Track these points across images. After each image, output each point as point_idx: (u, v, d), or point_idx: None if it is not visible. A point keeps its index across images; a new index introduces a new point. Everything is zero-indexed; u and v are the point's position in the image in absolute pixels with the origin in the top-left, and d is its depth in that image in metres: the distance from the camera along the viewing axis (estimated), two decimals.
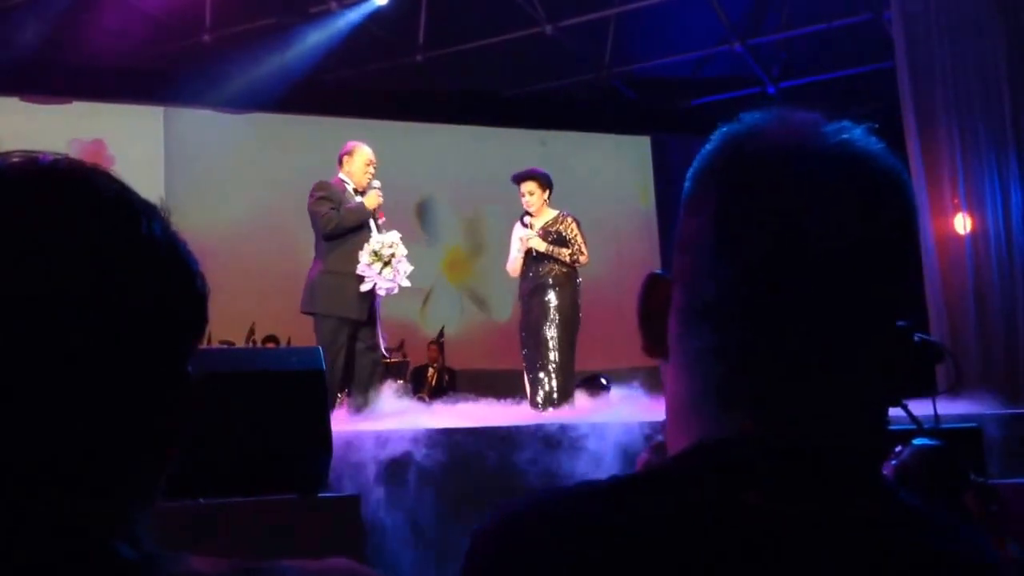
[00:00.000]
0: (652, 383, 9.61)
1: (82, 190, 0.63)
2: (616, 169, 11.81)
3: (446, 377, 9.18)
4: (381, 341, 5.58)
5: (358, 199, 5.58)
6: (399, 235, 5.52)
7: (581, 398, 6.25)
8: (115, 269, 0.61)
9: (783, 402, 0.68)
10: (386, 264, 5.38)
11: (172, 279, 0.65)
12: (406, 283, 5.50)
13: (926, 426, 2.09)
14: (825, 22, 9.43)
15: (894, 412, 2.07)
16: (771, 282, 0.67)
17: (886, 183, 0.69)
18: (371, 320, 5.49)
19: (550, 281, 6.02)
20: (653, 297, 0.75)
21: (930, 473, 1.92)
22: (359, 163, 5.67)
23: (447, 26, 9.58)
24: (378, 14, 9.08)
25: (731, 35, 9.89)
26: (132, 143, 10.00)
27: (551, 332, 5.95)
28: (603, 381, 7.19)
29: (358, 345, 5.44)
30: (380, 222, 5.62)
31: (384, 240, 5.43)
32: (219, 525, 3.14)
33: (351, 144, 5.78)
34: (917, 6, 7.54)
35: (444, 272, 11.09)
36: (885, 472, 1.94)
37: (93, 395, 0.60)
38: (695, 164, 0.74)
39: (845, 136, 0.71)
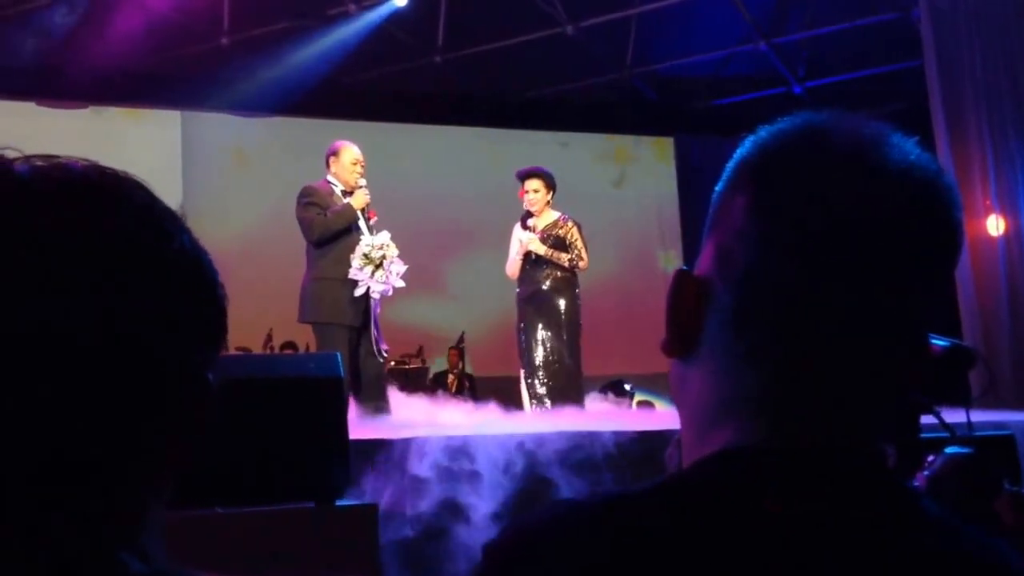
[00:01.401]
0: None
1: (110, 199, 0.63)
2: (638, 170, 11.72)
3: (467, 383, 9.12)
4: (381, 344, 5.48)
5: (346, 200, 5.47)
6: (389, 235, 5.40)
7: (600, 403, 6.18)
8: (140, 278, 0.62)
9: (814, 412, 0.68)
10: (377, 266, 5.27)
11: (195, 289, 0.65)
12: (400, 283, 5.38)
13: (959, 434, 2.04)
14: (851, 20, 9.31)
15: (926, 419, 2.01)
16: (819, 294, 0.67)
17: (943, 204, 0.69)
18: (369, 324, 5.40)
19: (549, 285, 5.96)
20: (685, 295, 0.73)
21: (963, 481, 1.88)
22: (346, 163, 5.53)
23: (466, 27, 9.53)
24: (397, 16, 9.05)
25: (755, 34, 9.79)
26: (150, 147, 10.02)
27: (549, 336, 5.89)
28: (626, 387, 7.11)
29: (361, 351, 5.37)
30: (372, 222, 5.51)
31: (374, 242, 5.32)
32: (236, 534, 3.10)
33: (337, 144, 5.66)
34: (945, 2, 7.43)
35: (465, 274, 11.05)
36: (917, 481, 1.90)
37: (113, 403, 0.60)
38: (746, 159, 0.73)
39: (911, 156, 0.70)
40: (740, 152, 0.74)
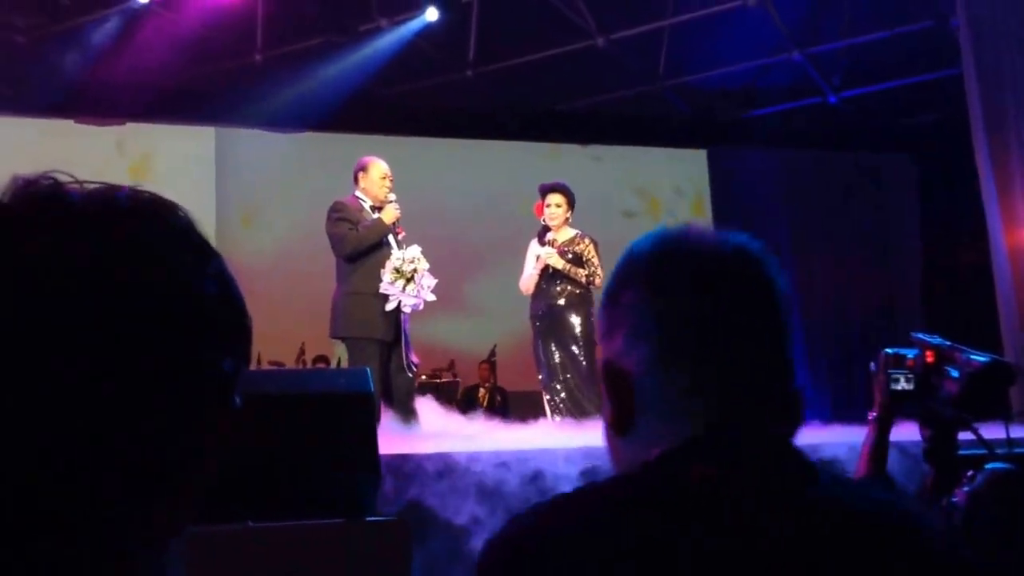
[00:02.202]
0: None
1: (153, 222, 0.68)
2: (670, 183, 11.66)
3: (498, 398, 9.09)
4: (412, 359, 5.48)
5: (375, 216, 5.48)
6: (419, 249, 5.41)
7: None
8: (172, 305, 0.66)
9: (728, 417, 0.92)
10: (408, 280, 5.28)
11: (225, 310, 0.70)
12: (431, 297, 5.39)
13: (998, 451, 2.06)
14: (887, 28, 9.21)
15: (964, 436, 1.97)
16: (708, 345, 0.93)
17: (769, 274, 0.97)
18: (400, 339, 5.40)
19: (564, 301, 5.96)
20: (619, 388, 0.96)
21: (1003, 498, 1.88)
22: (375, 178, 5.56)
23: (497, 41, 9.54)
24: (427, 30, 9.08)
25: (789, 43, 9.70)
26: (184, 163, 10.13)
27: (565, 351, 5.89)
28: None
29: (391, 365, 5.36)
30: (400, 237, 5.52)
31: (405, 256, 5.33)
32: (267, 548, 3.11)
33: (365, 159, 5.68)
34: (984, 10, 7.32)
35: (495, 288, 11.04)
36: (956, 497, 1.91)
37: (138, 426, 0.64)
38: (628, 265, 1.00)
39: (739, 242, 0.99)
40: (624, 263, 1.00)
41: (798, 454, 0.91)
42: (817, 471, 0.90)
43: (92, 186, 0.68)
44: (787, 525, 0.83)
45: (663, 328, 0.93)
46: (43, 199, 0.66)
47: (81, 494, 0.62)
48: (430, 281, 5.35)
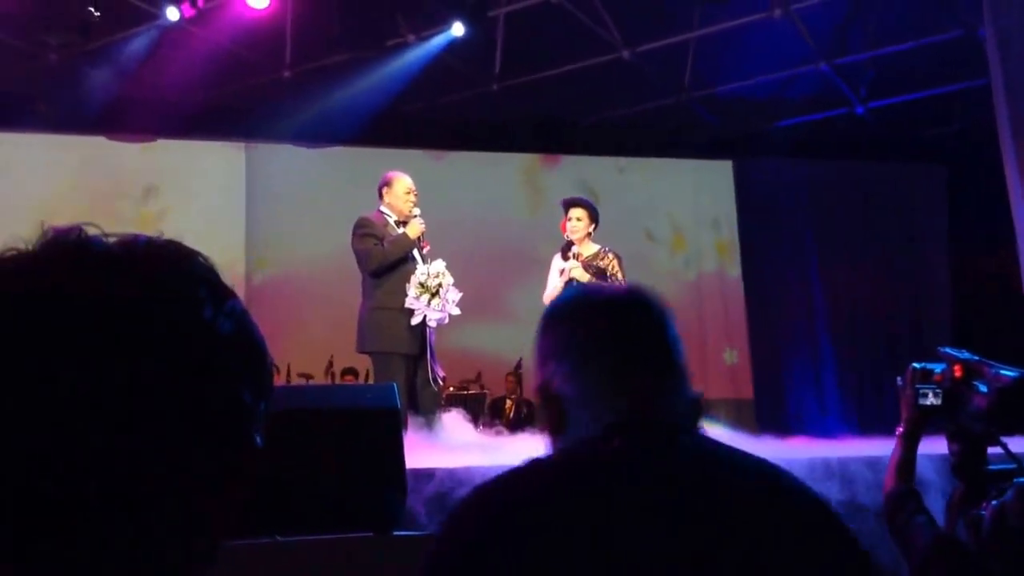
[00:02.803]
0: (737, 415, 9.41)
1: (167, 270, 0.72)
2: (697, 195, 11.63)
3: (524, 409, 9.09)
4: (438, 373, 5.51)
5: (400, 231, 5.52)
6: (444, 264, 5.44)
7: None
8: (188, 342, 0.70)
9: (631, 406, 1.19)
10: (434, 295, 5.31)
11: (241, 353, 0.74)
12: (456, 311, 5.42)
13: None
14: (914, 39, 9.16)
15: (993, 451, 1.95)
16: (613, 357, 1.23)
17: (658, 307, 1.28)
18: (425, 352, 5.42)
19: None
20: (551, 406, 1.25)
21: None
22: (399, 192, 5.59)
23: (523, 54, 9.58)
24: (454, 44, 9.13)
25: (816, 55, 9.67)
26: (214, 178, 10.24)
27: None
28: None
29: (417, 379, 5.39)
30: (424, 251, 5.56)
31: (430, 271, 5.36)
32: (295, 562, 3.13)
33: (389, 175, 5.72)
34: (1011, 19, 7.26)
35: (523, 300, 11.05)
36: (984, 512, 1.90)
37: (159, 458, 0.67)
38: (552, 313, 1.32)
39: (634, 287, 1.32)
40: (549, 309, 1.31)
41: (690, 433, 1.18)
42: (709, 444, 1.18)
43: (116, 236, 0.74)
44: (677, 479, 1.09)
45: (578, 348, 1.22)
46: (71, 246, 0.71)
47: (107, 525, 0.66)
48: (455, 295, 5.37)
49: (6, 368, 0.65)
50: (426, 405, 5.39)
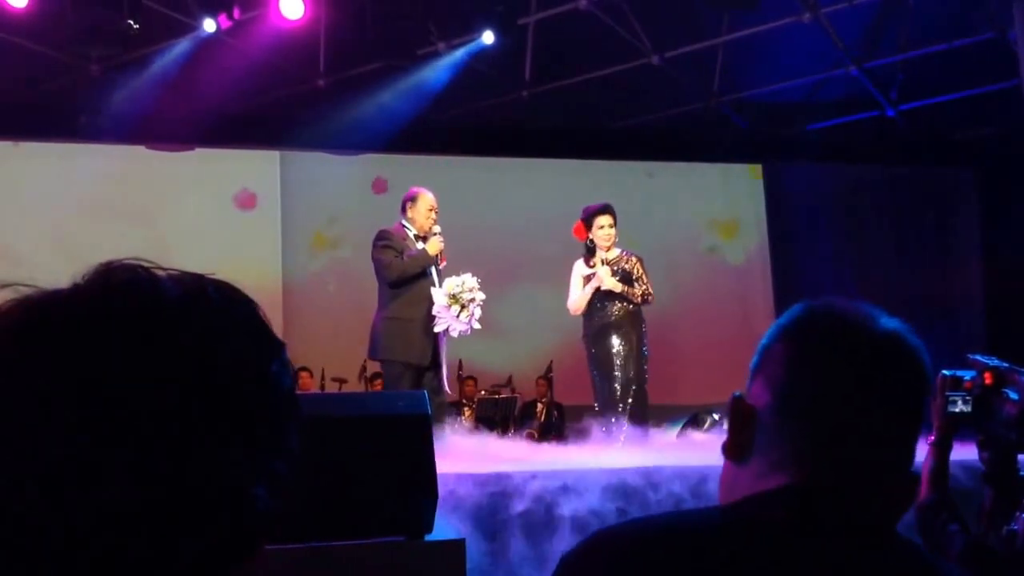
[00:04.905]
0: None
1: (218, 309, 0.71)
2: (726, 199, 11.62)
3: (555, 413, 9.15)
4: (445, 384, 5.66)
5: (420, 245, 5.67)
6: (477, 280, 5.57)
7: (695, 434, 6.18)
8: (242, 383, 0.69)
9: (827, 472, 0.99)
10: (463, 308, 5.45)
11: (283, 395, 0.72)
12: (477, 326, 5.58)
13: None
14: (945, 41, 9.11)
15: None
16: (830, 409, 1.01)
17: (924, 366, 1.04)
18: (435, 363, 5.58)
19: (617, 320, 6.02)
20: (744, 418, 1.05)
21: None
22: (422, 209, 5.74)
23: (553, 61, 9.64)
24: (484, 52, 9.22)
25: (846, 58, 9.64)
26: (251, 186, 10.41)
27: (624, 371, 5.95)
28: (715, 416, 7.06)
29: (425, 389, 5.53)
30: (441, 267, 5.70)
31: (464, 284, 5.51)
32: (329, 568, 3.21)
33: (414, 190, 5.87)
34: None
35: (554, 303, 11.10)
36: (1016, 525, 1.91)
37: (182, 495, 0.65)
38: (783, 325, 1.08)
39: (893, 327, 1.03)
40: (781, 320, 1.08)
41: (879, 529, 0.99)
42: (893, 545, 0.98)
43: (174, 273, 0.71)
44: None
45: (792, 384, 1.02)
46: (127, 285, 0.69)
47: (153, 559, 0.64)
48: (479, 312, 5.54)
49: (67, 415, 0.63)
50: (435, 414, 5.53)
